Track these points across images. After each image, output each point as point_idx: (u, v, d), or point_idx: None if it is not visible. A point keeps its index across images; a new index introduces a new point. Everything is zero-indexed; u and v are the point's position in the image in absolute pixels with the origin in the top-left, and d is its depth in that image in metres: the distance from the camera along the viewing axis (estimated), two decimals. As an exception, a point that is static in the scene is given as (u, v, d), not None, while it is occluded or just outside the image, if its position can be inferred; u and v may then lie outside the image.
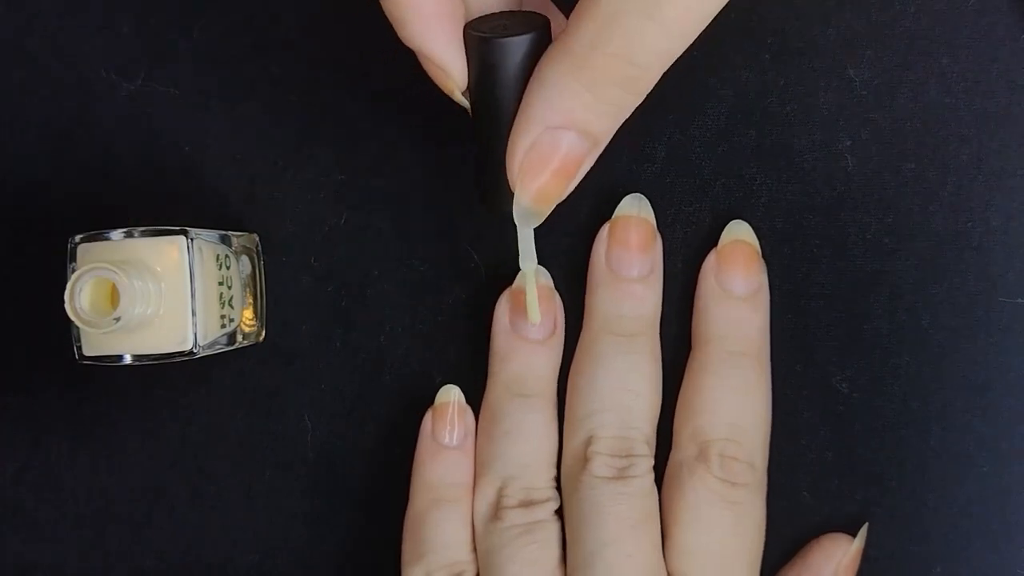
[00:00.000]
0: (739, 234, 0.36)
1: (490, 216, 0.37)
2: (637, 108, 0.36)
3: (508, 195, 0.31)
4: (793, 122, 0.36)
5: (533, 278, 0.35)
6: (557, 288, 0.37)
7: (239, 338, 0.36)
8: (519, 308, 0.36)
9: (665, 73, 0.36)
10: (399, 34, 0.30)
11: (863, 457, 0.36)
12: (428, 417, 0.37)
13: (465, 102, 0.32)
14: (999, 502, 0.36)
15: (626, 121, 0.37)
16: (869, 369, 0.36)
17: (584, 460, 0.35)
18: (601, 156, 0.37)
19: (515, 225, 0.32)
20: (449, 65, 0.30)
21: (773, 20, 0.36)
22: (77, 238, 0.33)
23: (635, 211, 0.36)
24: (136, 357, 0.32)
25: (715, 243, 0.36)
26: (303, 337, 0.38)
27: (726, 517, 0.34)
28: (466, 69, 0.31)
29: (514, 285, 0.37)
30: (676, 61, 0.36)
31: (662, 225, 0.37)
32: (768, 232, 0.36)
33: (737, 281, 0.36)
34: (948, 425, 0.36)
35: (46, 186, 0.38)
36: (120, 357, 0.32)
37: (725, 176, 0.37)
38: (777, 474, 0.36)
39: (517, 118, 0.30)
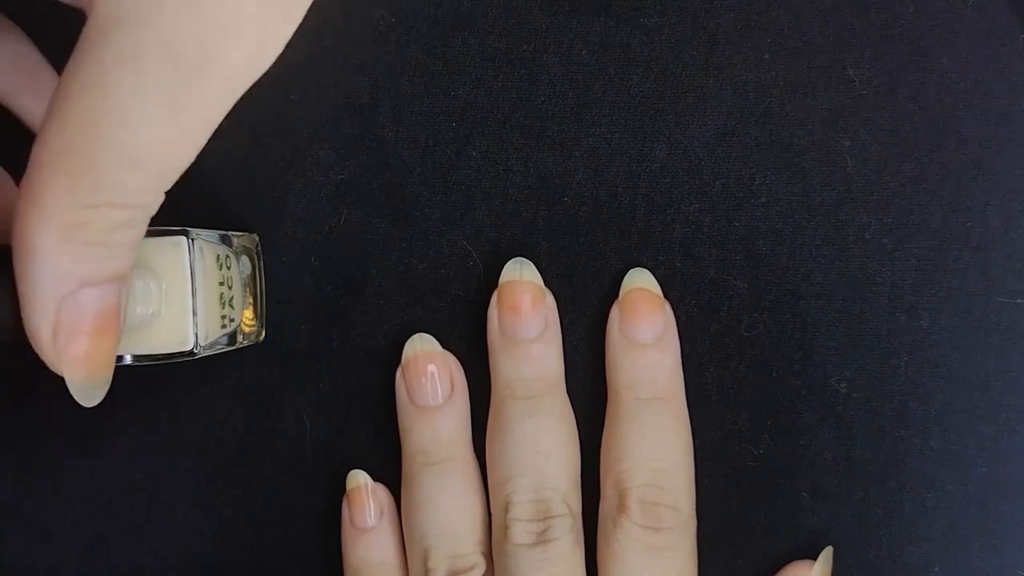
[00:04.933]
0: (637, 282, 0.36)
1: (489, 215, 0.37)
2: (637, 108, 0.37)
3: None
4: (793, 122, 0.36)
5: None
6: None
7: (239, 338, 0.36)
8: (414, 372, 0.36)
9: (665, 73, 0.36)
10: None
11: (863, 457, 0.36)
12: (345, 505, 0.37)
13: None
14: (999, 502, 0.36)
15: (626, 121, 0.37)
16: (868, 369, 0.36)
17: (504, 528, 0.35)
18: (601, 156, 0.37)
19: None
20: None
21: (772, 20, 0.36)
22: (77, 238, 0.32)
23: (518, 275, 0.36)
24: (136, 357, 0.32)
25: (713, 244, 0.37)
26: (303, 337, 0.38)
27: (652, 564, 0.34)
28: None
29: (404, 357, 0.37)
30: (675, 61, 0.36)
31: (661, 224, 0.37)
32: (768, 232, 0.36)
33: (639, 328, 0.36)
34: (948, 425, 0.36)
35: (46, 186, 0.38)
36: (120, 357, 0.32)
37: (725, 176, 0.37)
38: (777, 474, 0.36)
39: (23, 303, 0.26)
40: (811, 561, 0.36)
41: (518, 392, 0.36)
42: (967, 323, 0.36)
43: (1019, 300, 0.36)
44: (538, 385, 0.36)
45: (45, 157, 0.24)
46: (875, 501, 0.36)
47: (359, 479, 0.37)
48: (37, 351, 0.26)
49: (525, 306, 0.36)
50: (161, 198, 0.26)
